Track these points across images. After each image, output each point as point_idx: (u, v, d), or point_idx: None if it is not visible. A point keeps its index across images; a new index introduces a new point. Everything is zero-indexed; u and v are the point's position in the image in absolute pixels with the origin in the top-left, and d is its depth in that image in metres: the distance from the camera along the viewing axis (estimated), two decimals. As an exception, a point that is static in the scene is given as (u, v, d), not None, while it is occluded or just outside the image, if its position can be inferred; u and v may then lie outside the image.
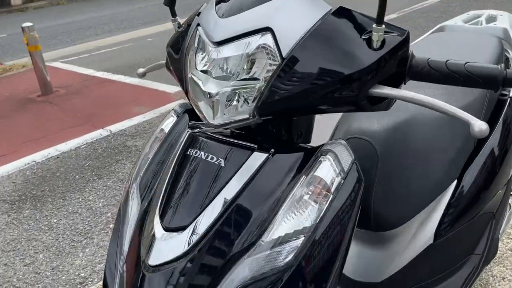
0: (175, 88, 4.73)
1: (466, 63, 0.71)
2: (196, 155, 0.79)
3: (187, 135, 0.86)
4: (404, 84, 0.76)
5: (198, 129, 0.86)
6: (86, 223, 2.55)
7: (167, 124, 0.96)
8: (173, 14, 1.00)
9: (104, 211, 2.64)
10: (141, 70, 1.11)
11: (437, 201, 1.21)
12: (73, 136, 3.77)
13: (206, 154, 0.78)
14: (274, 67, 0.71)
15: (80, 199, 2.80)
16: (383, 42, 0.69)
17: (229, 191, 0.73)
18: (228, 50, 0.74)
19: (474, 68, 0.70)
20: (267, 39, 0.71)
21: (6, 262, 2.30)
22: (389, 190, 1.15)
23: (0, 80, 6.05)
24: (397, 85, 0.75)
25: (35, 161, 3.39)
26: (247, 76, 0.73)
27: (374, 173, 1.14)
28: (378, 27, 0.68)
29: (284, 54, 0.71)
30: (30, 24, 4.82)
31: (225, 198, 0.73)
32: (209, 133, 0.84)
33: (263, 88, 0.72)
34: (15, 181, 3.13)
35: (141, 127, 3.83)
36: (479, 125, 0.62)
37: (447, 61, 0.72)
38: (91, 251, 2.30)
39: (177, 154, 0.84)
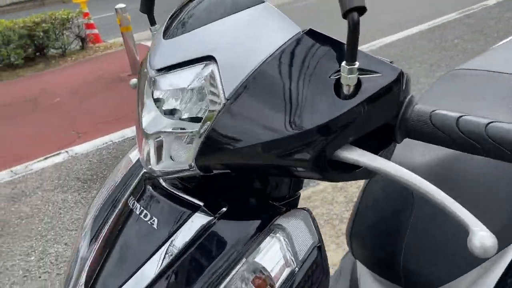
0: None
1: (489, 122, 0.46)
2: (133, 207, 0.65)
3: (141, 175, 0.72)
4: (398, 143, 0.54)
5: None
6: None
7: (136, 153, 0.83)
8: (152, 22, 0.85)
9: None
10: (134, 80, 0.99)
11: (496, 258, 0.94)
12: (150, 117, 3.87)
13: (141, 209, 0.64)
14: (218, 109, 0.54)
15: (144, 184, 2.85)
16: (359, 85, 0.48)
17: (153, 264, 0.58)
18: (169, 81, 0.58)
19: (500, 131, 0.45)
20: (210, 71, 0.54)
21: (67, 241, 2.41)
22: (426, 241, 0.91)
23: (100, 58, 6.48)
24: (385, 145, 0.54)
25: (112, 141, 3.54)
26: (191, 116, 0.56)
27: (406, 217, 0.91)
28: (349, 67, 0.47)
29: (227, 94, 0.53)
30: (123, 5, 5.01)
31: (146, 274, 0.58)
32: (161, 178, 0.68)
33: (202, 135, 0.55)
34: (92, 159, 3.29)
35: (214, 112, 3.79)
36: (481, 238, 0.39)
37: (460, 117, 0.48)
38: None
39: (122, 201, 0.71)
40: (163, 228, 0.60)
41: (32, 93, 5.16)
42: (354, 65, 0.47)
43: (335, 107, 0.48)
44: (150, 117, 0.60)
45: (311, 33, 0.53)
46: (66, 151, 3.45)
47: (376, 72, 0.49)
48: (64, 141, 3.66)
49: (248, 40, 0.54)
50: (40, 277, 2.16)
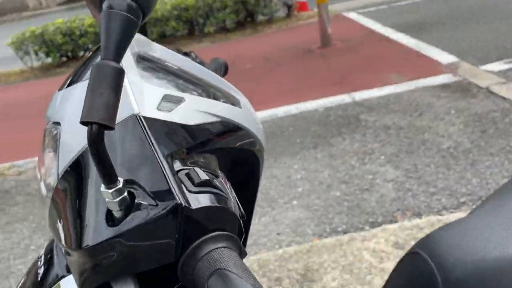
0: (450, 58, 4.05)
1: None
2: (39, 254, 0.64)
3: None
4: None
5: None
6: (278, 191, 2.62)
7: None
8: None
9: (298, 184, 2.63)
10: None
11: None
12: (320, 95, 3.82)
13: (41, 255, 0.62)
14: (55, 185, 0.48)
15: (287, 165, 2.87)
16: (128, 211, 0.38)
17: None
18: None
19: None
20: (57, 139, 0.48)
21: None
22: None
23: (301, 27, 6.64)
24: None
25: (277, 115, 3.65)
26: None
27: None
28: (108, 191, 0.37)
29: (60, 170, 0.47)
30: (321, -24, 4.95)
31: None
32: None
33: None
34: (252, 130, 3.47)
35: (385, 100, 3.49)
36: None
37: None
38: (265, 221, 2.37)
39: None
40: (44, 281, 0.58)
41: (231, 57, 5.67)
42: (110, 189, 0.37)
43: (96, 233, 0.39)
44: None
45: (139, 119, 0.43)
46: (235, 118, 3.73)
47: (149, 199, 0.38)
48: (238, 107, 3.94)
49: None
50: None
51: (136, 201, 0.38)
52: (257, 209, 2.48)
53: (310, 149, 3.00)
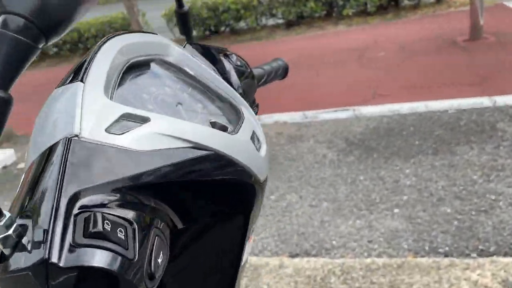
0: None
1: None
2: None
3: None
4: None
5: None
6: (381, 195, 2.43)
7: None
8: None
9: (404, 191, 2.41)
10: None
11: None
12: (452, 95, 3.42)
13: None
14: None
15: (397, 168, 2.64)
16: (14, 247, 0.34)
17: None
18: None
19: None
20: None
21: (301, 195, 2.59)
22: None
23: (450, 14, 5.99)
24: None
25: (399, 112, 3.37)
26: None
27: None
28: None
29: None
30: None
31: None
32: None
33: None
34: (369, 124, 3.27)
35: (534, 109, 2.97)
36: None
37: None
38: (359, 224, 2.23)
39: None
40: None
41: (365, 42, 5.39)
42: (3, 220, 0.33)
43: None
44: None
45: (66, 143, 0.37)
46: (353, 109, 3.55)
47: (31, 244, 0.34)
48: (357, 98, 3.75)
49: (43, 123, 0.42)
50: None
51: (22, 241, 0.34)
52: (353, 210, 2.34)
53: (429, 154, 2.71)
